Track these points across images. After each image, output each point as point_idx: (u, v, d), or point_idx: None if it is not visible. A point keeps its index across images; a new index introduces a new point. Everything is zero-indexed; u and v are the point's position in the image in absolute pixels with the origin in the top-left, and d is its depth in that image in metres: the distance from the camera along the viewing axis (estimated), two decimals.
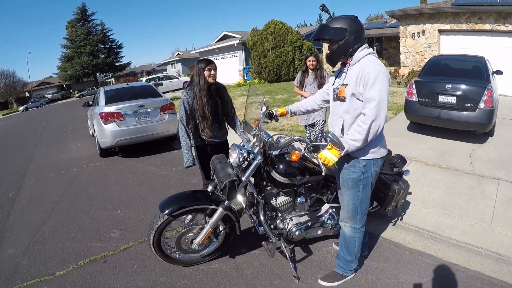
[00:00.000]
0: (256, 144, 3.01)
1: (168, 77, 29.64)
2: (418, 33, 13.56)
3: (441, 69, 7.55)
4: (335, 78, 2.77)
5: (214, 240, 3.37)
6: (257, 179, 3.12)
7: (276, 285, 3.07)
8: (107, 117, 7.47)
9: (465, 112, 6.37)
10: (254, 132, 3.04)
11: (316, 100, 3.19)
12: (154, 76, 30.58)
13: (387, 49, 20.59)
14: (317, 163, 2.93)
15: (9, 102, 56.18)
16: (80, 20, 50.08)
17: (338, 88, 2.64)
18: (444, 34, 12.95)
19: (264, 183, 3.11)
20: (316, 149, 2.59)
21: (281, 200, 3.22)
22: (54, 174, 7.38)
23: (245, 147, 3.08)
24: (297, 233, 3.19)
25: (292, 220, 3.25)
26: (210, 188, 3.28)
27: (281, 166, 2.95)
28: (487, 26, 11.39)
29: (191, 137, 3.74)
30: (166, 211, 2.94)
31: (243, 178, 2.88)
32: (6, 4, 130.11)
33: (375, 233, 3.76)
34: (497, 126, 7.08)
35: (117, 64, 52.92)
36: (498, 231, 3.54)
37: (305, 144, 2.67)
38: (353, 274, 3.08)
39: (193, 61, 40.54)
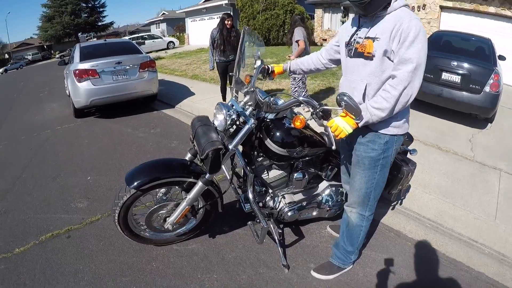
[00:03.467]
0: (248, 104, 2.50)
1: (152, 37, 28.38)
2: (419, 6, 13.00)
3: (444, 46, 7.09)
4: (351, 30, 2.21)
5: (192, 218, 2.93)
6: (246, 147, 2.63)
7: (262, 274, 2.70)
8: (81, 75, 6.89)
9: (469, 94, 5.95)
10: (247, 88, 2.53)
11: (321, 58, 2.63)
12: (137, 35, 29.32)
13: None
14: (326, 133, 2.48)
15: None
16: None
17: (358, 42, 2.09)
18: (445, 11, 12.42)
19: (255, 153, 2.61)
20: (326, 115, 2.07)
21: (273, 174, 2.72)
22: (25, 137, 6.93)
23: (234, 107, 2.51)
24: (289, 213, 2.78)
25: (284, 198, 2.82)
26: (188, 156, 2.73)
27: (278, 134, 2.43)
28: (492, 9, 10.92)
29: (214, 55, 6.70)
30: (134, 184, 2.44)
31: (231, 147, 2.38)
32: None
33: (374, 218, 3.38)
34: (497, 113, 6.74)
35: (99, 23, 50.21)
36: (502, 228, 3.20)
37: (312, 107, 2.13)
38: (351, 266, 2.72)
39: (178, 21, 39.32)
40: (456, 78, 6.02)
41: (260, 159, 2.67)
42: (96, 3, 49.87)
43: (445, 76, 6.15)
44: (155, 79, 7.83)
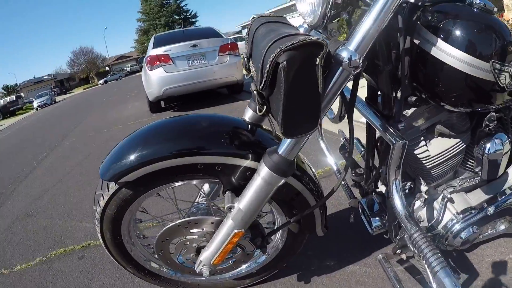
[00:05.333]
0: None
1: (243, 39, 28.11)
2: None
3: None
4: None
5: (255, 251, 1.34)
6: (376, 78, 1.16)
7: None
8: (153, 62, 6.03)
9: None
10: None
11: None
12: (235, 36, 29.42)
13: None
14: None
15: (90, 77, 61.05)
16: None
17: None
18: None
19: (396, 93, 1.14)
20: None
21: (440, 146, 1.24)
22: (94, 133, 6.64)
23: None
24: (463, 234, 1.24)
25: (452, 202, 1.30)
26: (248, 114, 1.20)
27: (462, 28, 1.01)
28: None
29: None
30: (110, 173, 1.11)
31: (351, 48, 0.87)
32: None
33: None
34: None
35: None
36: None
37: None
38: None
39: None
40: None
41: (409, 111, 1.22)
42: (187, 14, 52.55)
43: None
44: (239, 64, 6.50)
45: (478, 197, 1.37)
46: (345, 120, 1.20)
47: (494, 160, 1.22)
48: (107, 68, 59.26)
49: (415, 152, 1.23)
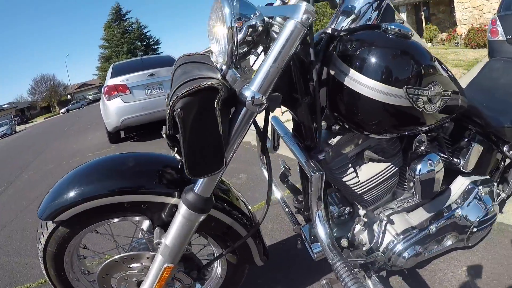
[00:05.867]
0: None
1: None
2: None
3: None
4: None
5: (196, 283, 1.42)
6: (297, 112, 1.17)
7: None
8: (111, 92, 6.00)
9: None
10: None
11: None
12: None
13: (436, 14, 18.12)
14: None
15: (52, 106, 59.18)
16: (116, 20, 49.97)
17: None
18: None
19: (316, 123, 1.14)
20: None
21: (370, 171, 1.25)
22: (53, 166, 6.50)
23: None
24: (406, 254, 1.31)
25: (392, 223, 1.37)
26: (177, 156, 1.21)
27: (377, 56, 1.04)
28: None
29: None
30: (45, 212, 1.18)
31: (253, 89, 0.92)
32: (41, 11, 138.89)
33: None
34: None
35: None
36: None
37: None
38: None
39: None
40: None
41: (334, 139, 1.24)
42: (150, 41, 52.17)
43: None
44: None
45: (420, 216, 1.40)
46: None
47: (426, 180, 1.25)
48: (69, 97, 57.88)
49: (344, 179, 1.24)
